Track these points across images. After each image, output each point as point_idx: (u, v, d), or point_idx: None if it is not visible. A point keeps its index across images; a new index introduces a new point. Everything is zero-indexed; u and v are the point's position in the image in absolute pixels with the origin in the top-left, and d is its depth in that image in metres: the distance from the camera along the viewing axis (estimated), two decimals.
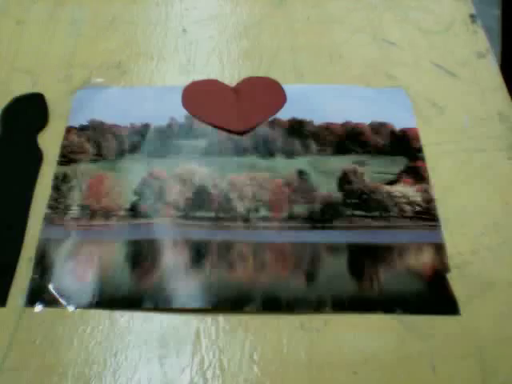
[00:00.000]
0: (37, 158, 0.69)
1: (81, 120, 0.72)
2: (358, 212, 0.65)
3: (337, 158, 0.69)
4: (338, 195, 0.66)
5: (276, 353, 0.55)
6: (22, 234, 0.63)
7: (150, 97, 0.75)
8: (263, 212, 0.64)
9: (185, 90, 0.75)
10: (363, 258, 0.61)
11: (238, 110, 0.73)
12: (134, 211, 0.64)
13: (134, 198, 0.65)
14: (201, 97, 0.75)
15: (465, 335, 0.56)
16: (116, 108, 0.74)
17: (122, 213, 0.64)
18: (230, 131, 0.71)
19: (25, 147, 0.70)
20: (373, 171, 0.68)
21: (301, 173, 0.68)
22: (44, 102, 0.74)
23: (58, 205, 0.65)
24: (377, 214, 0.64)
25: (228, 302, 0.58)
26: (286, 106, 0.74)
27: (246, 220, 0.64)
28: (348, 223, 0.64)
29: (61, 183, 0.66)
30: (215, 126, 0.71)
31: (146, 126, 0.72)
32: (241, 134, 0.71)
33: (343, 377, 0.53)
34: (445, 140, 0.71)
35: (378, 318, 0.57)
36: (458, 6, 0.86)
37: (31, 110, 0.74)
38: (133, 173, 0.67)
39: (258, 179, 0.67)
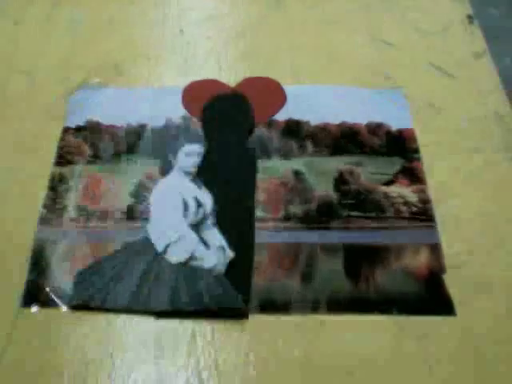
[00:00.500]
0: (251, 161, 0.68)
1: (78, 120, 0.72)
2: (354, 212, 0.65)
3: (333, 159, 0.69)
4: (334, 196, 0.66)
5: (272, 353, 0.55)
6: (252, 237, 0.62)
7: (146, 97, 0.75)
8: (259, 212, 0.64)
9: (185, 90, 0.75)
10: (359, 259, 0.61)
11: None
12: (130, 214, 0.64)
13: (131, 201, 0.65)
14: (200, 97, 0.75)
15: (461, 336, 0.56)
16: (113, 109, 0.74)
17: (119, 215, 0.64)
18: None
19: (238, 149, 0.70)
20: (369, 172, 0.68)
21: (297, 173, 0.67)
22: (247, 102, 0.73)
23: (54, 205, 0.65)
24: (373, 214, 0.64)
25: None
26: (284, 106, 0.74)
27: None
28: (344, 224, 0.64)
29: (57, 184, 0.66)
30: None
31: (142, 127, 0.72)
32: None
33: (339, 377, 0.53)
34: (442, 141, 0.71)
35: (374, 319, 0.57)
36: (455, 7, 0.86)
37: (234, 110, 0.73)
38: (129, 175, 0.67)
39: None
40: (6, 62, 0.79)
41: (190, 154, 0.65)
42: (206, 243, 0.60)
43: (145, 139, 0.71)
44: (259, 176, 0.67)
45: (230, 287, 0.57)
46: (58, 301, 0.58)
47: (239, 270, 0.59)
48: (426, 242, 0.62)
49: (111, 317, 0.57)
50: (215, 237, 0.61)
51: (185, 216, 0.61)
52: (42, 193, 0.66)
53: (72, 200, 0.65)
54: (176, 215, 0.61)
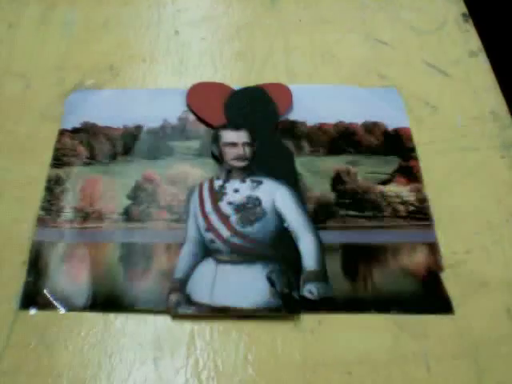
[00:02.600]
0: (288, 153, 0.69)
1: (74, 122, 0.72)
2: (351, 212, 0.65)
3: (330, 159, 0.69)
4: (331, 195, 0.66)
5: (270, 354, 0.55)
6: None
7: (142, 99, 0.75)
8: None
9: (190, 91, 0.75)
10: (357, 258, 0.61)
11: None
12: (127, 215, 0.64)
13: (128, 203, 0.65)
14: (208, 99, 0.74)
15: (459, 334, 0.56)
16: (109, 110, 0.74)
17: (116, 217, 0.64)
18: None
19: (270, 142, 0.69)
20: (366, 171, 0.68)
21: None
22: (268, 95, 0.73)
23: (51, 207, 0.65)
24: (370, 213, 0.64)
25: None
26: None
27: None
28: (341, 223, 0.64)
29: (54, 185, 0.66)
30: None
31: (138, 128, 0.72)
32: None
33: (338, 377, 0.54)
34: (438, 139, 0.71)
35: (372, 318, 0.57)
36: (450, 5, 0.86)
37: (255, 103, 0.73)
38: (126, 176, 0.67)
39: None
40: (1, 64, 0.78)
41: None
42: None
43: (141, 140, 0.71)
44: None
45: None
46: (55, 303, 0.58)
47: None
48: (423, 241, 0.62)
49: (109, 318, 0.57)
50: None
51: None
52: (39, 195, 0.65)
53: (69, 201, 0.65)
54: None
